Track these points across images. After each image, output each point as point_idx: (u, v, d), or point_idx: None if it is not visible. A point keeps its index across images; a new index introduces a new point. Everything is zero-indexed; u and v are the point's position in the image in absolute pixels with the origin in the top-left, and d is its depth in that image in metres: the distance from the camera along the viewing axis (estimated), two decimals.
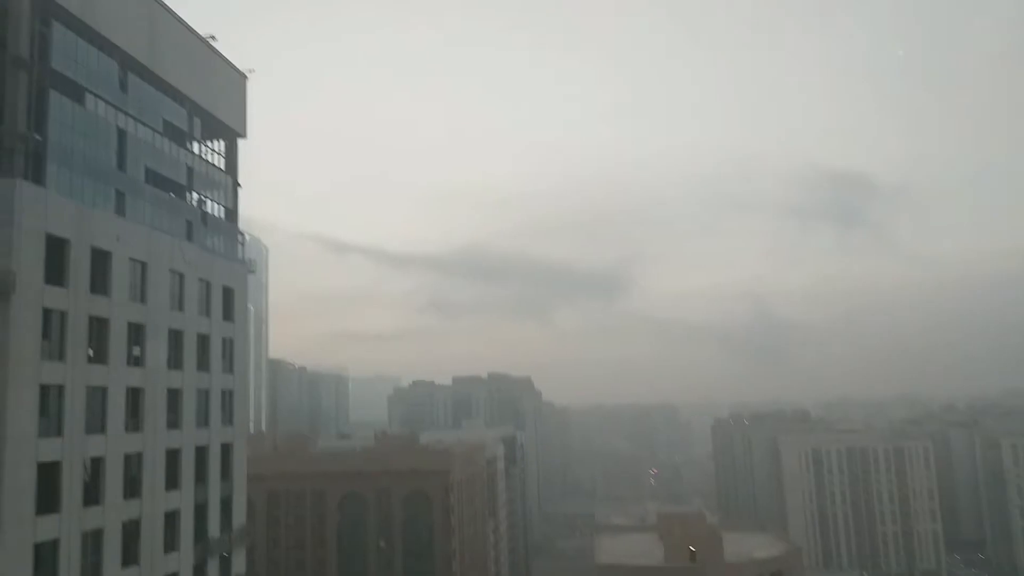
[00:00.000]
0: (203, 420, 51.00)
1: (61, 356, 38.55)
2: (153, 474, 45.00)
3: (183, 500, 47.90)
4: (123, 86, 45.97)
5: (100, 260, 41.71)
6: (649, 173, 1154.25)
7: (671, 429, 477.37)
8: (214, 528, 51.30)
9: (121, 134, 45.33)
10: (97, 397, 40.98)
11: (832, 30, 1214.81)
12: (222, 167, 57.78)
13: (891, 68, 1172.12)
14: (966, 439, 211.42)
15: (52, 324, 38.25)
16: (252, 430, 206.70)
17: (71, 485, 38.42)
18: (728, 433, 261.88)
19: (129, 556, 42.78)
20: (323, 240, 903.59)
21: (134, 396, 43.97)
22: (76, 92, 41.94)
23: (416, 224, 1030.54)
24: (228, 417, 54.37)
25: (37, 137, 38.84)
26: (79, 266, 39.96)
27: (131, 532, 42.96)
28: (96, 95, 43.33)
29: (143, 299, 45.15)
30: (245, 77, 60.22)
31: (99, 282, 41.58)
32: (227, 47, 56.64)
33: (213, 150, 57.49)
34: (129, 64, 46.47)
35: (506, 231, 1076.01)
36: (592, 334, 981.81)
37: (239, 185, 59.12)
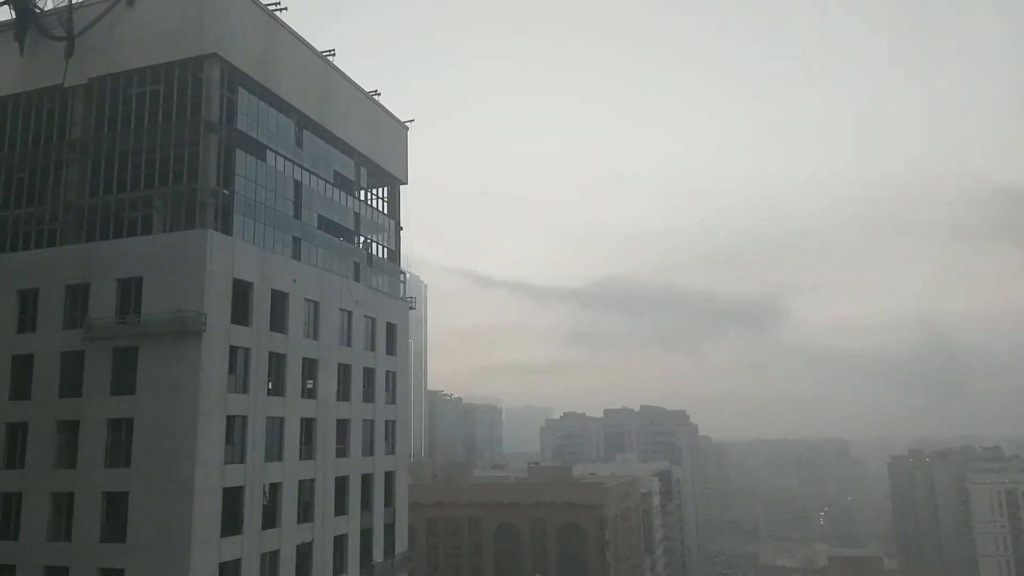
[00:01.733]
0: (368, 449, 53.93)
1: (245, 389, 42.26)
2: (324, 500, 48.05)
3: (350, 525, 50.70)
4: (299, 142, 50.35)
5: (279, 300, 45.56)
6: (800, 200, 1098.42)
7: (841, 466, 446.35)
8: (378, 552, 53.83)
9: (297, 185, 49.56)
10: (275, 427, 44.50)
11: (995, 39, 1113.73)
12: (385, 212, 61.65)
13: None
14: None
15: (237, 360, 42.06)
16: (412, 459, 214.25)
17: (252, 509, 41.71)
18: (907, 471, 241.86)
19: None
20: (471, 276, 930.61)
21: (307, 426, 47.35)
22: (258, 150, 46.38)
23: (557, 259, 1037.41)
24: (391, 446, 57.19)
25: (225, 192, 43.25)
26: (261, 306, 43.84)
27: (304, 555, 45.94)
28: (275, 151, 47.70)
29: (315, 335, 48.75)
30: (406, 128, 64.15)
31: (278, 321, 45.39)
32: (388, 100, 60.63)
33: (378, 196, 61.55)
34: (303, 122, 50.89)
35: (648, 265, 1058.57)
36: (747, 367, 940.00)
37: (401, 228, 62.75)
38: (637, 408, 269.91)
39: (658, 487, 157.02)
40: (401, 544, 57.31)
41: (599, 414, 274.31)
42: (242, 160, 44.60)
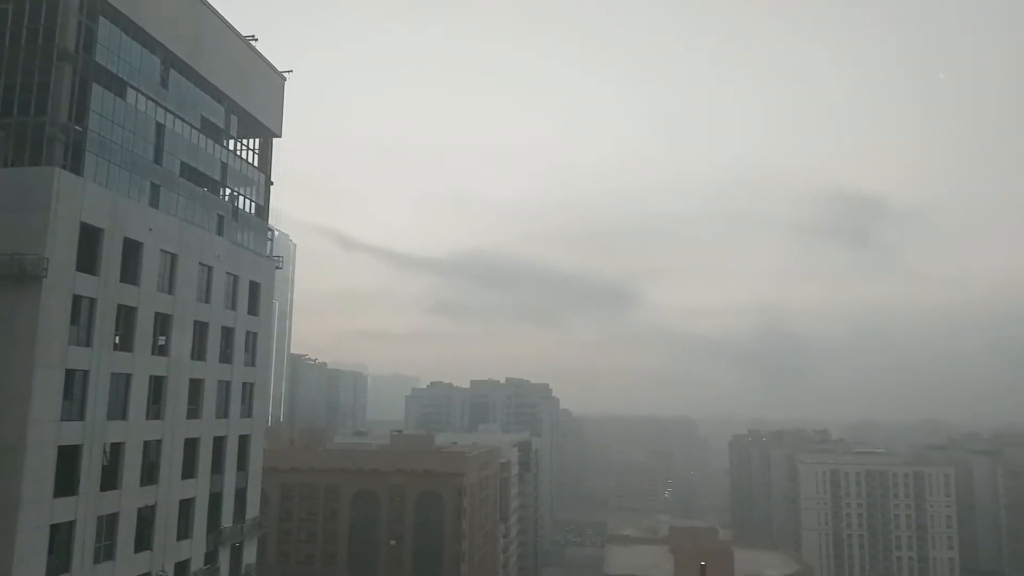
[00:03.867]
0: (223, 411, 51.93)
1: (88, 342, 39.51)
2: (171, 462, 45.91)
3: (199, 489, 48.79)
4: (164, 82, 47.09)
5: (132, 250, 42.72)
6: (664, 189, 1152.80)
7: (688, 443, 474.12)
8: (227, 518, 52.16)
9: (159, 128, 46.43)
10: (120, 384, 41.95)
11: (851, 53, 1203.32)
12: (255, 164, 58.89)
13: (909, 92, 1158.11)
14: (989, 467, 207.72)
15: (81, 310, 39.20)
16: (270, 423, 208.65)
17: (90, 469, 39.31)
18: (746, 450, 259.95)
19: (142, 542, 43.69)
20: (339, 238, 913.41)
21: (157, 385, 44.93)
22: (118, 86, 43.03)
23: (424, 228, 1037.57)
24: (247, 409, 55.29)
25: (77, 128, 39.91)
26: (111, 255, 40.97)
27: (146, 518, 43.85)
28: (137, 89, 44.42)
29: (171, 290, 46.15)
30: (283, 78, 61.31)
31: (130, 271, 42.60)
32: (266, 47, 57.77)
33: (248, 147, 58.65)
34: (171, 61, 47.59)
35: (514, 240, 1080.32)
36: (608, 345, 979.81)
37: (271, 183, 60.20)
38: (503, 380, 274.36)
39: (517, 457, 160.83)
40: (253, 509, 55.78)
41: (466, 384, 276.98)
42: (98, 95, 41.28)
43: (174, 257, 46.34)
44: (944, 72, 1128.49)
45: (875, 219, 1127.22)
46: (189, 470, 47.86)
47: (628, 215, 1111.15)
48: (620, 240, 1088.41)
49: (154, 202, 45.62)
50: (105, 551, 40.80)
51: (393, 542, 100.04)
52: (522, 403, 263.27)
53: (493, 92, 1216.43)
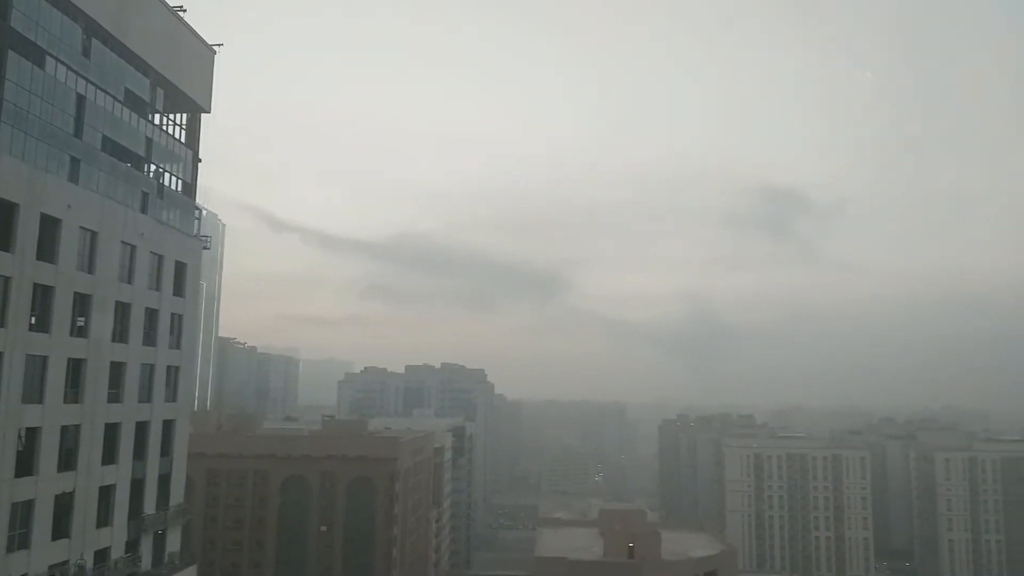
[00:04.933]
0: (146, 395, 50.32)
1: (1, 323, 37.73)
2: (90, 447, 44.34)
3: (119, 475, 47.28)
4: (86, 52, 45.02)
5: (49, 227, 40.89)
6: (598, 178, 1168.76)
7: (620, 428, 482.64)
8: (150, 505, 50.73)
9: (80, 100, 44.42)
10: (36, 366, 40.24)
11: (782, 52, 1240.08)
12: (183, 140, 56.90)
13: (835, 90, 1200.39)
14: (902, 451, 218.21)
15: None
16: (197, 408, 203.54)
17: (3, 455, 37.69)
18: (674, 434, 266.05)
19: (60, 529, 42.18)
20: (270, 219, 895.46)
21: (75, 367, 43.24)
22: (36, 54, 40.95)
23: (358, 209, 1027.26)
24: (172, 393, 53.71)
25: None
26: (27, 231, 39.14)
27: (64, 505, 42.32)
28: (56, 59, 42.38)
29: (91, 269, 44.38)
30: (213, 52, 59.27)
31: (47, 249, 40.78)
32: (196, 19, 55.71)
33: (175, 123, 56.59)
34: (93, 30, 45.51)
35: (446, 225, 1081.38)
36: (543, 331, 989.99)
37: (199, 160, 58.30)
38: (438, 365, 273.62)
39: (451, 442, 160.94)
40: (177, 495, 54.35)
41: (400, 369, 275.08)
42: (15, 63, 39.23)
43: (94, 235, 44.53)
44: (870, 72, 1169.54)
45: (797, 211, 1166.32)
46: (110, 456, 46.31)
47: (563, 203, 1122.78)
48: (555, 228, 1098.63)
49: (74, 177, 43.70)
50: (20, 539, 39.24)
51: (324, 528, 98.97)
52: (457, 388, 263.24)
53: (436, 77, 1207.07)
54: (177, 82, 54.58)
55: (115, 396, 46.91)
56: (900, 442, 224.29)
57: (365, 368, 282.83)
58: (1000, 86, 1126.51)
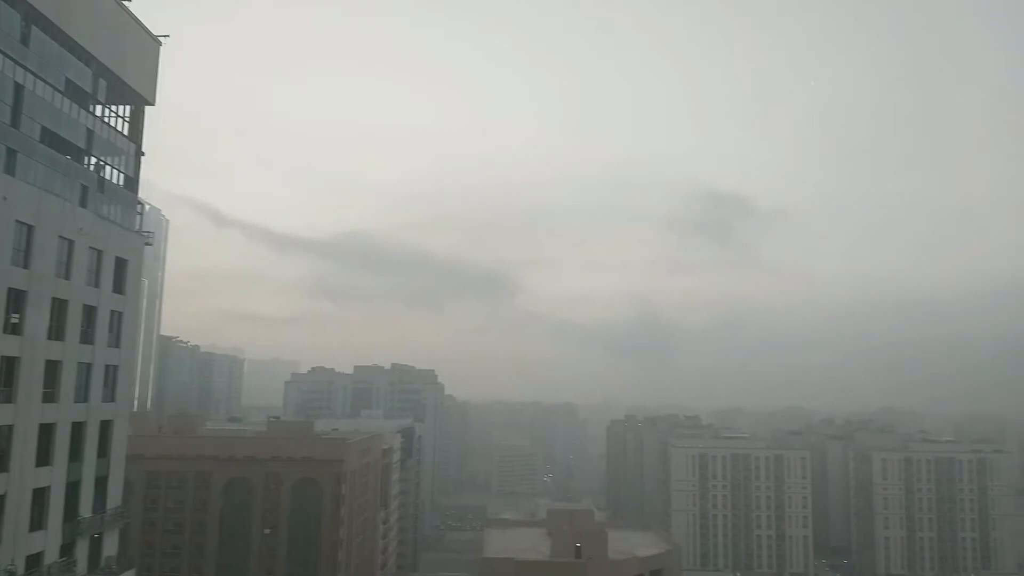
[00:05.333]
0: (83, 395, 48.73)
1: None
2: (23, 449, 42.75)
3: (54, 477, 45.70)
4: (24, 39, 43.43)
5: None
6: (546, 180, 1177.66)
7: (569, 428, 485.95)
8: (86, 508, 49.14)
9: (18, 89, 42.83)
10: None
11: (727, 61, 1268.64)
12: (125, 133, 55.31)
13: (777, 98, 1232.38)
14: (841, 452, 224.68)
15: None
16: (136, 409, 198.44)
17: None
18: (622, 435, 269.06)
19: None
20: (214, 215, 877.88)
21: (8, 365, 41.67)
22: None
23: (304, 207, 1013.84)
24: (110, 393, 52.12)
25: None
26: None
27: None
28: None
29: (27, 264, 42.82)
30: (159, 43, 57.74)
31: None
32: (141, 10, 54.19)
33: (117, 115, 54.97)
34: (33, 17, 43.94)
35: (394, 224, 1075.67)
36: (492, 332, 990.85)
37: (143, 153, 56.74)
38: (388, 366, 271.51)
39: (400, 443, 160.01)
40: (114, 498, 52.76)
41: (349, 370, 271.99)
42: None
43: (31, 229, 42.99)
44: (813, 80, 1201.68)
45: (739, 217, 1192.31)
46: (44, 457, 44.71)
47: (512, 205, 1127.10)
48: (504, 229, 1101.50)
49: (10, 169, 42.10)
50: None
51: (267, 531, 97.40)
52: (407, 389, 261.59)
53: (389, 74, 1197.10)
54: (120, 73, 53.05)
55: (50, 396, 45.33)
56: (839, 443, 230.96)
57: (312, 368, 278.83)
58: (943, 97, 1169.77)
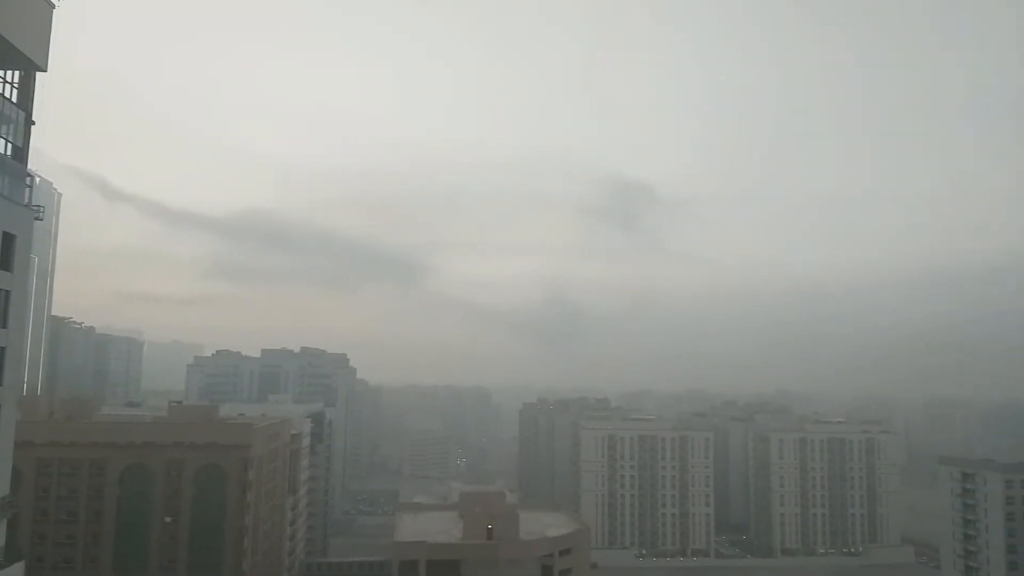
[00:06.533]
0: None
1: None
2: None
3: None
4: None
5: None
6: (457, 164, 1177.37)
7: (483, 412, 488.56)
8: None
9: None
10: None
11: (637, 50, 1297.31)
12: (14, 100, 51.63)
13: (686, 91, 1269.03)
14: (742, 433, 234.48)
15: None
16: (26, 393, 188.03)
17: None
18: (534, 417, 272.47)
19: None
20: (104, 187, 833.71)
21: None
22: None
23: (200, 182, 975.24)
24: None
25: None
26: None
27: None
28: None
29: None
30: (52, 6, 54.00)
31: None
32: None
33: (6, 80, 51.23)
34: None
35: (306, 204, 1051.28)
36: (405, 315, 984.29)
37: (33, 122, 53.15)
38: (297, 349, 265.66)
39: (310, 428, 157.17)
40: (2, 488, 49.74)
41: (256, 353, 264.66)
42: None
43: None
44: (723, 75, 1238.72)
45: (646, 205, 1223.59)
46: None
47: (424, 188, 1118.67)
48: (416, 212, 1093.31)
49: None
50: None
51: (169, 519, 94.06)
52: (317, 373, 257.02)
53: (292, 49, 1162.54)
54: (9, 36, 49.35)
55: None
56: (740, 424, 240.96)
57: (217, 351, 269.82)
58: (844, 92, 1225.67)
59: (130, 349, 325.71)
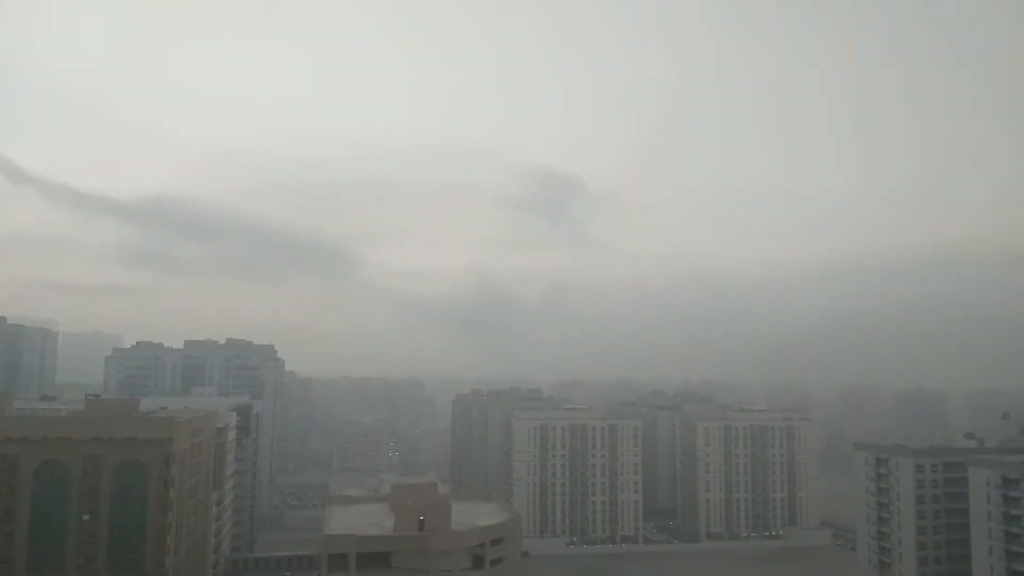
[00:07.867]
0: None
1: None
2: None
3: None
4: None
5: None
6: (383, 154, 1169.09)
7: (416, 403, 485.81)
8: None
9: None
10: None
11: (567, 44, 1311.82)
12: None
13: (616, 85, 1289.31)
14: (669, 421, 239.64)
15: None
16: None
17: None
18: (467, 408, 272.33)
19: None
20: (8, 170, 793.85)
21: None
22: None
23: (107, 165, 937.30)
24: None
25: None
26: None
27: None
28: None
29: None
30: None
31: None
32: None
33: None
34: None
35: (225, 190, 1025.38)
36: (334, 306, 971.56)
37: None
38: (222, 340, 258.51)
39: (236, 422, 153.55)
40: None
41: (179, 345, 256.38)
42: None
43: None
44: (653, 70, 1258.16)
45: (572, 197, 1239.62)
46: None
47: (350, 177, 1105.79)
48: (342, 201, 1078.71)
49: None
50: None
51: (87, 516, 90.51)
52: (244, 365, 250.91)
53: (207, 30, 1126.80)
54: None
55: None
56: (668, 413, 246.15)
57: (137, 343, 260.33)
58: (775, 89, 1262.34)
59: (44, 340, 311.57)
